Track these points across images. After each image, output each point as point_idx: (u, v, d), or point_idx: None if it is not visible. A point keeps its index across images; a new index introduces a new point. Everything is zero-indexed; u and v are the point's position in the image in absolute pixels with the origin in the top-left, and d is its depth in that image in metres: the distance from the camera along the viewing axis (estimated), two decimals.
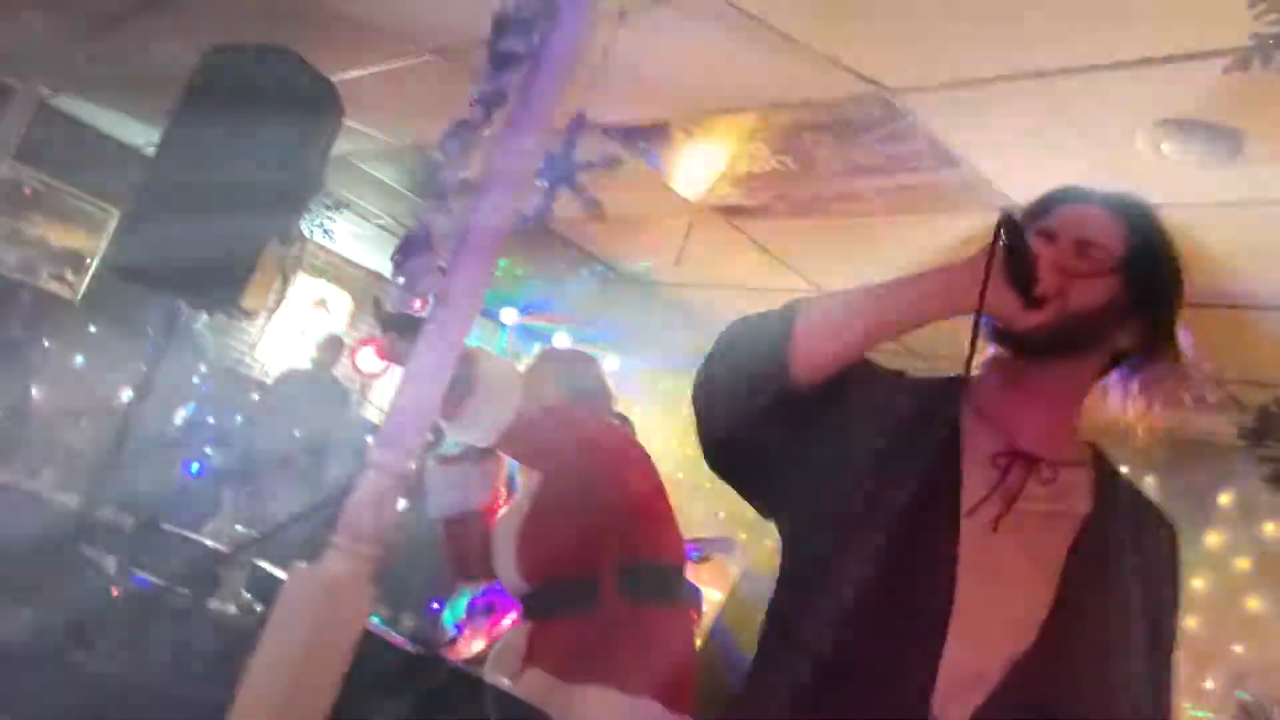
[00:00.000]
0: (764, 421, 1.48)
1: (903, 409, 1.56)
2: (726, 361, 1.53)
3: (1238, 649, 4.59)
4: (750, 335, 1.53)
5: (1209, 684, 4.59)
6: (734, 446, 1.54)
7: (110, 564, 2.76)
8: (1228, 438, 4.45)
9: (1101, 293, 1.49)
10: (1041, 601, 1.41)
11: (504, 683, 2.57)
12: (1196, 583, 4.72)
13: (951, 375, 1.60)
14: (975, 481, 1.48)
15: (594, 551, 2.78)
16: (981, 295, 1.41)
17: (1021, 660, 1.37)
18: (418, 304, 1.57)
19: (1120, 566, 1.48)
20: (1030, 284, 1.44)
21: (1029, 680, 1.37)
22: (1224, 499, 4.79)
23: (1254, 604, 4.63)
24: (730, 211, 4.55)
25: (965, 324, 1.53)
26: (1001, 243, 1.42)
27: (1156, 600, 1.50)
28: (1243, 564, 4.71)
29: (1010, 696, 1.36)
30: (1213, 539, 4.74)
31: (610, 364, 7.36)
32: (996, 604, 1.40)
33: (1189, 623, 4.68)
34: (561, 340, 7.28)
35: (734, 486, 1.60)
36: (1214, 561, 4.70)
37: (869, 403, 1.54)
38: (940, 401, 1.57)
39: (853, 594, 1.44)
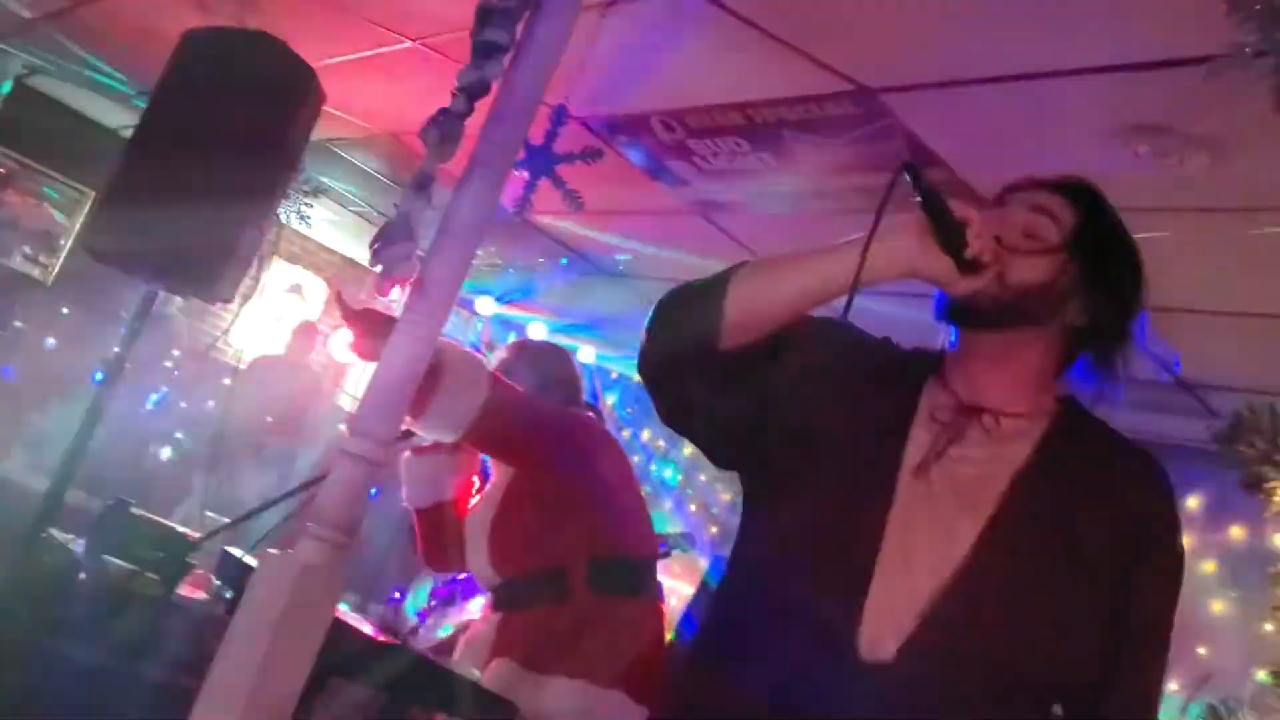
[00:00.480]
0: (703, 383, 1.55)
1: (867, 371, 1.63)
2: (663, 328, 1.60)
3: (1201, 651, 4.63)
4: (685, 301, 1.60)
5: (1172, 685, 4.63)
6: (679, 409, 1.62)
7: (78, 547, 2.75)
8: (1195, 441, 4.49)
9: (1048, 266, 1.53)
10: (964, 546, 1.44)
11: (473, 673, 2.58)
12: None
13: (933, 351, 1.67)
14: (921, 437, 1.54)
15: (564, 543, 2.78)
16: (876, 221, 1.47)
17: (937, 602, 1.40)
18: (392, 291, 1.57)
19: (1064, 512, 1.49)
20: (960, 246, 1.47)
21: (945, 621, 1.39)
22: (1191, 502, 4.83)
23: (1218, 607, 4.68)
24: (709, 206, 4.56)
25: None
26: (906, 188, 1.47)
27: (1129, 552, 1.49)
28: (1208, 567, 4.76)
29: (929, 636, 1.39)
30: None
31: (586, 355, 7.36)
32: (923, 548, 1.44)
33: None
34: (537, 331, 7.27)
35: (691, 442, 1.69)
36: None
37: (823, 361, 1.60)
38: (911, 370, 1.64)
39: (792, 540, 1.52)
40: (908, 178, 1.46)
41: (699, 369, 1.55)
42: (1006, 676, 1.40)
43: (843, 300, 1.49)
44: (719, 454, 1.70)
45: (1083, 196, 1.61)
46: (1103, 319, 1.56)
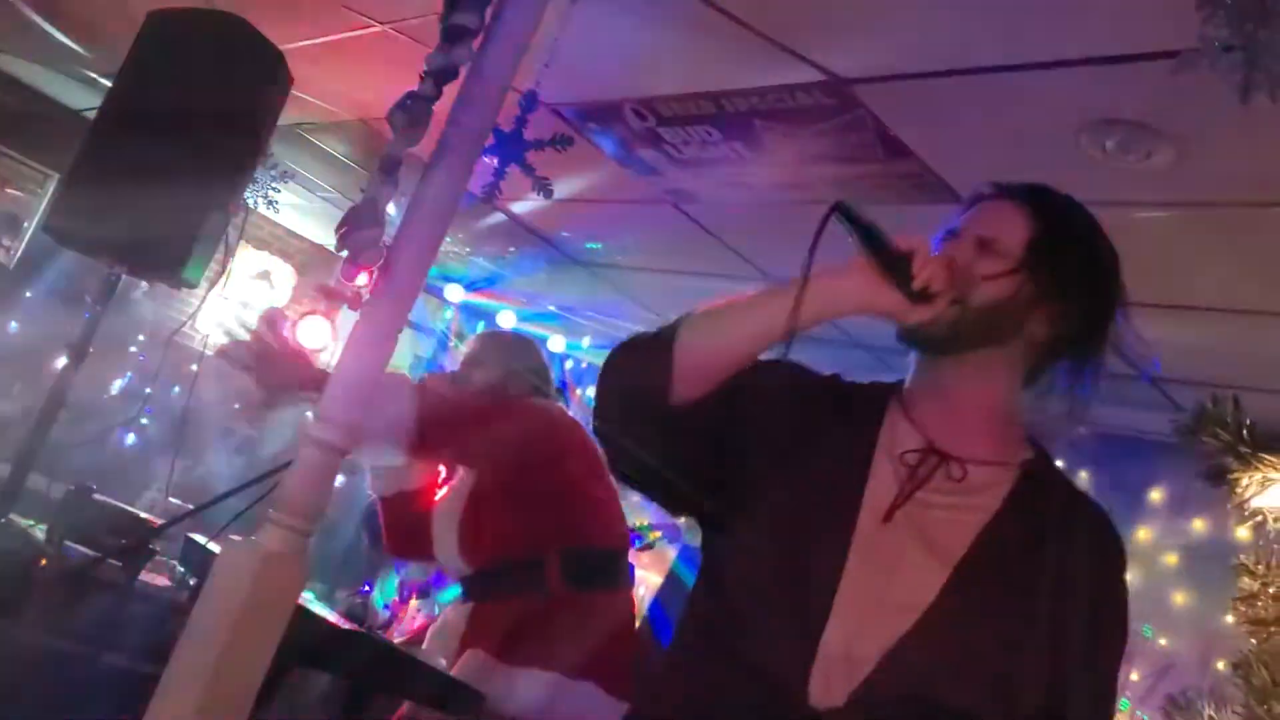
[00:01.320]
0: (657, 436, 1.52)
1: (820, 408, 1.61)
2: (613, 382, 1.58)
3: (1163, 641, 4.68)
4: (634, 355, 1.58)
5: (1134, 676, 4.68)
6: (632, 463, 1.58)
7: (40, 534, 2.72)
8: (1159, 435, 4.53)
9: (1004, 286, 1.51)
10: (930, 592, 1.42)
11: (440, 663, 2.57)
12: (1126, 577, 4.80)
13: (886, 382, 1.65)
14: (884, 476, 1.51)
15: (538, 535, 2.78)
16: (809, 262, 1.48)
17: (897, 647, 1.38)
18: (360, 277, 1.56)
19: (1027, 567, 1.47)
20: (907, 278, 1.46)
21: (903, 666, 1.37)
22: (1154, 495, 4.88)
23: (1180, 598, 4.73)
24: (680, 196, 4.55)
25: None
26: (836, 225, 1.47)
27: (1084, 609, 1.48)
28: (1170, 559, 4.81)
29: (885, 682, 1.37)
30: (1142, 534, 4.83)
31: (555, 345, 7.34)
32: (884, 592, 1.42)
33: None
34: (506, 319, 7.25)
35: (646, 496, 1.65)
36: (1142, 556, 4.80)
37: (776, 404, 1.58)
38: (866, 404, 1.61)
39: (748, 582, 1.49)
40: (841, 219, 1.47)
41: (651, 422, 1.52)
42: None
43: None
44: (676, 505, 1.68)
45: (1042, 204, 1.58)
46: (1068, 328, 1.54)
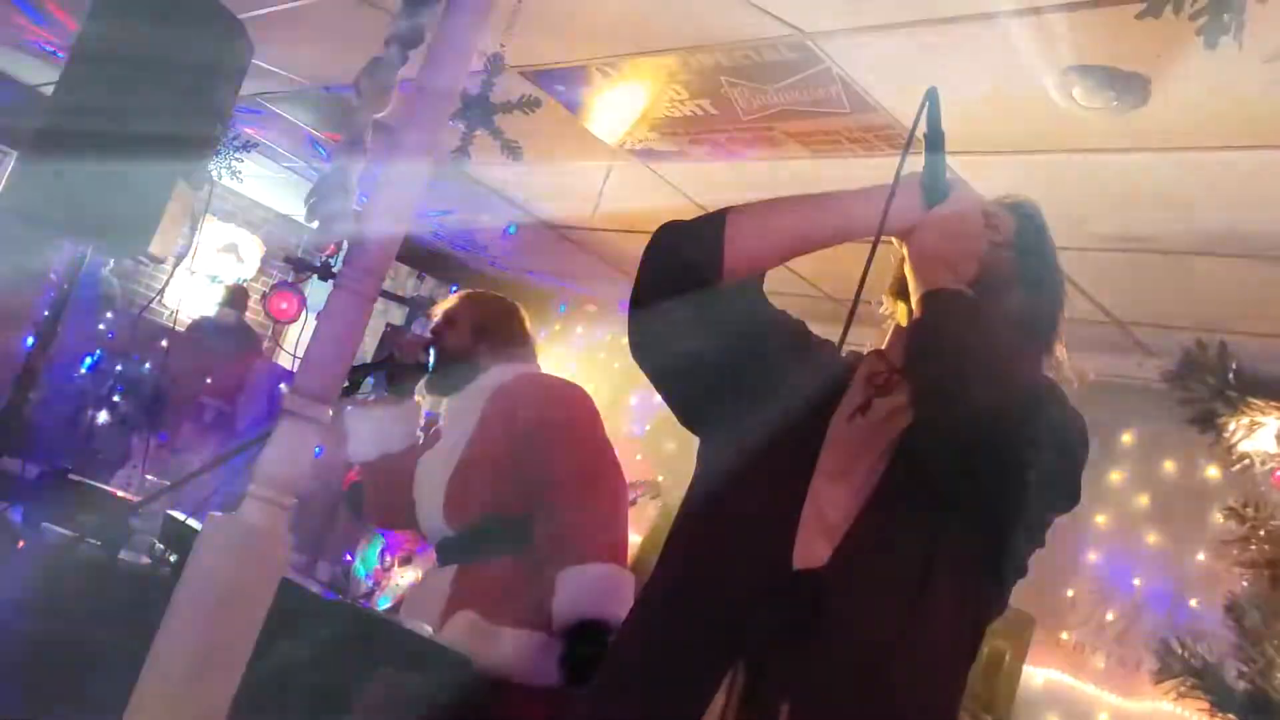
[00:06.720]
0: (688, 315, 1.63)
1: (819, 352, 1.79)
2: (661, 253, 1.68)
3: (1136, 582, 4.75)
4: (684, 229, 1.69)
5: (1110, 616, 4.75)
6: (657, 339, 1.70)
7: (16, 515, 2.70)
8: (1128, 378, 4.58)
9: (1000, 254, 1.66)
10: (884, 466, 1.60)
11: (425, 629, 2.58)
12: (1098, 519, 4.88)
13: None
14: (855, 394, 1.69)
15: (530, 498, 2.77)
16: (905, 152, 1.60)
17: (864, 510, 1.56)
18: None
19: None
20: (937, 194, 1.57)
21: (870, 524, 1.55)
22: (1126, 438, 4.93)
23: (1152, 538, 4.79)
24: (648, 155, 4.54)
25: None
26: (923, 127, 1.55)
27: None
28: (1142, 500, 4.87)
29: (857, 538, 1.54)
30: (1114, 476, 4.88)
31: None
32: (851, 473, 1.59)
33: (1090, 557, 4.84)
34: None
35: (656, 379, 1.76)
36: (1115, 498, 4.86)
37: (788, 333, 1.77)
38: (849, 359, 1.78)
39: (739, 473, 1.65)
40: (930, 104, 1.59)
41: (688, 298, 1.62)
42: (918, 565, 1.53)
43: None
44: (689, 396, 1.77)
45: (1020, 210, 1.75)
46: (1036, 314, 1.72)
